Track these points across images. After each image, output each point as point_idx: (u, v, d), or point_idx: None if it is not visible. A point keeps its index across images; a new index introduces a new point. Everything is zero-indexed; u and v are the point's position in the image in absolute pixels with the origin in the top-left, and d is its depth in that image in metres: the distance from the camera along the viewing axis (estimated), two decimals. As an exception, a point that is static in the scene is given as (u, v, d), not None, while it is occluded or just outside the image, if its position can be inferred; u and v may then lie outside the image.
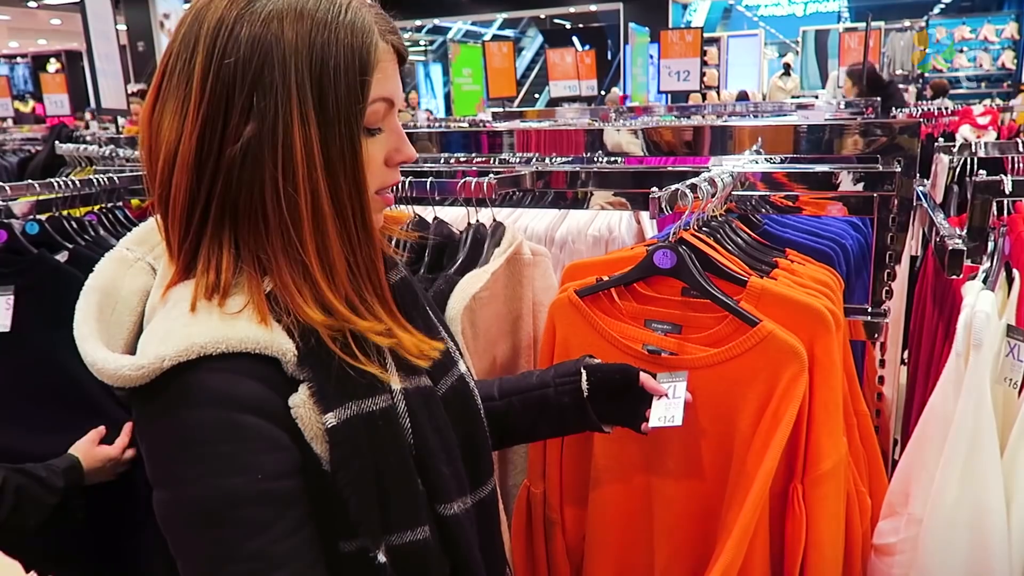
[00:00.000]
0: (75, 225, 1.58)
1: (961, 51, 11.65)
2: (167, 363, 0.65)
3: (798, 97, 8.56)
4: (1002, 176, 1.19)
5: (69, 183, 1.62)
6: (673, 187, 1.09)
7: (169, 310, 0.72)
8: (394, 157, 0.78)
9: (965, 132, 3.36)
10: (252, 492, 0.65)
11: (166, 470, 0.67)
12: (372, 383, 0.74)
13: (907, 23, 11.13)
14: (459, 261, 1.28)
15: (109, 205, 1.70)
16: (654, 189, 1.07)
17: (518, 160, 1.80)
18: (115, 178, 1.71)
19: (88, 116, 5.91)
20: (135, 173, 1.84)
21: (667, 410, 1.00)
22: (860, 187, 1.33)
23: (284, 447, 0.68)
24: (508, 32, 17.83)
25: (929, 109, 4.03)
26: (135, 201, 1.94)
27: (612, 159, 1.74)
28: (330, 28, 0.70)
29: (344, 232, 0.73)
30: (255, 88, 0.68)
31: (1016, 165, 1.67)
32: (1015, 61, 11.44)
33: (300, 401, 0.69)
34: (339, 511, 0.71)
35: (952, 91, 11.11)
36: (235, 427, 0.66)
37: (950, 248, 1.13)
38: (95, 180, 1.67)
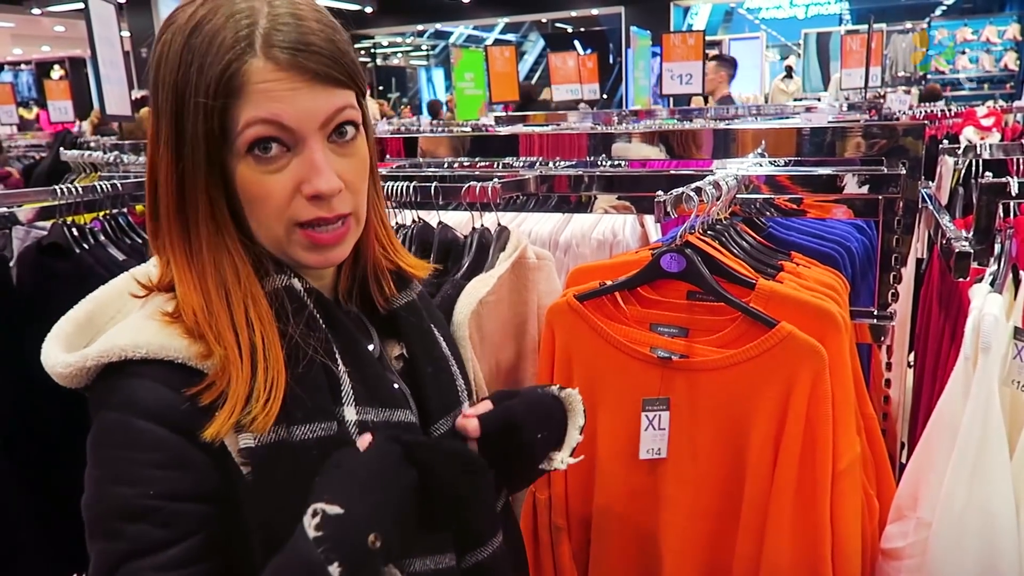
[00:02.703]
0: (76, 232, 1.58)
1: (963, 52, 11.63)
2: (89, 362, 0.67)
3: (801, 99, 8.55)
4: (1008, 178, 1.18)
5: (72, 190, 1.62)
6: (678, 190, 1.09)
7: (132, 314, 0.73)
8: (303, 189, 0.68)
9: (969, 134, 3.35)
10: (140, 507, 0.62)
11: (86, 466, 0.67)
12: (315, 409, 0.69)
13: (909, 25, 11.12)
14: (465, 266, 1.28)
15: (113, 211, 1.70)
16: (659, 193, 1.07)
17: (521, 164, 1.80)
18: (118, 184, 1.71)
19: (84, 124, 5.92)
20: (139, 179, 1.84)
21: (654, 442, 1.00)
22: (865, 190, 1.33)
23: (191, 466, 0.65)
24: (510, 36, 17.85)
25: (932, 111, 4.02)
26: (139, 207, 1.95)
27: (615, 163, 1.74)
28: (190, 48, 0.66)
29: (204, 265, 0.69)
30: (153, 109, 0.70)
31: (1020, 167, 1.66)
32: (1017, 62, 11.42)
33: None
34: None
35: (954, 92, 11.11)
36: (134, 434, 0.64)
37: (957, 250, 1.12)
38: (98, 187, 1.67)
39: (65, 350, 0.70)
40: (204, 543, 0.64)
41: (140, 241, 1.68)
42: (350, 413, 0.71)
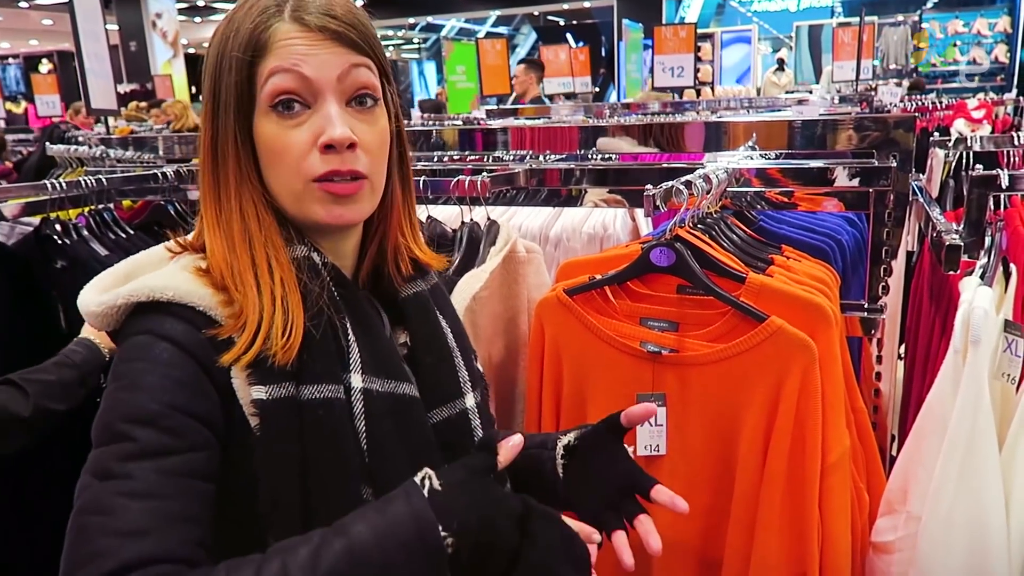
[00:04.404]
0: (59, 228, 1.56)
1: (954, 45, 11.64)
2: (120, 300, 0.70)
3: (792, 92, 8.54)
4: (999, 171, 1.18)
5: (58, 185, 1.60)
6: (668, 184, 1.08)
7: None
8: (318, 142, 0.72)
9: (959, 126, 3.35)
10: (151, 411, 0.64)
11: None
12: (323, 372, 0.72)
13: (900, 17, 11.14)
14: (456, 261, 1.27)
15: (99, 207, 1.68)
16: (648, 186, 1.06)
17: (512, 158, 1.79)
18: (103, 179, 1.69)
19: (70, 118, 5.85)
20: (126, 174, 1.82)
21: (651, 439, 1.00)
22: (856, 182, 1.32)
23: (203, 393, 0.67)
24: (502, 29, 17.79)
25: (923, 103, 4.03)
26: (126, 202, 1.93)
27: (606, 156, 1.73)
28: (233, 21, 0.75)
29: (231, 214, 0.74)
30: (203, 86, 0.77)
31: (1011, 159, 1.66)
32: (1008, 55, 11.45)
33: (237, 372, 0.69)
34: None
35: (946, 85, 11.15)
36: (155, 350, 0.67)
37: (947, 243, 1.12)
38: (83, 182, 1.65)
39: (100, 294, 0.73)
40: (206, 463, 0.66)
41: (124, 236, 1.66)
42: (356, 380, 0.74)
